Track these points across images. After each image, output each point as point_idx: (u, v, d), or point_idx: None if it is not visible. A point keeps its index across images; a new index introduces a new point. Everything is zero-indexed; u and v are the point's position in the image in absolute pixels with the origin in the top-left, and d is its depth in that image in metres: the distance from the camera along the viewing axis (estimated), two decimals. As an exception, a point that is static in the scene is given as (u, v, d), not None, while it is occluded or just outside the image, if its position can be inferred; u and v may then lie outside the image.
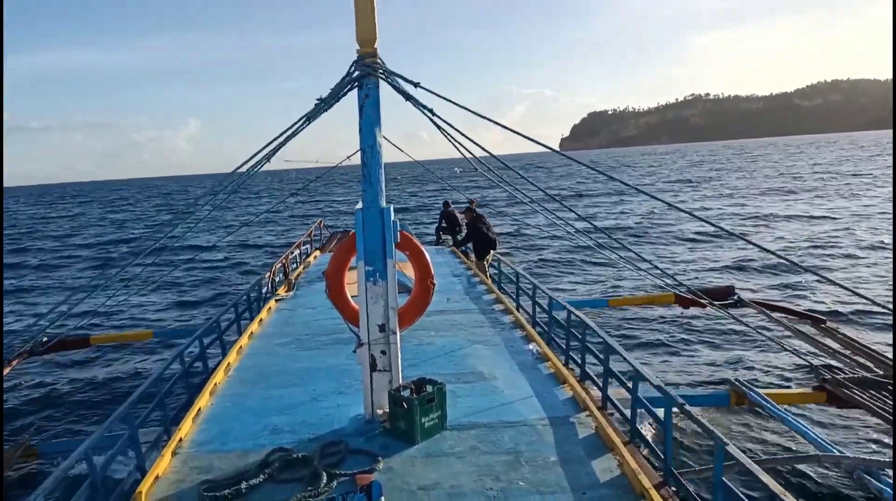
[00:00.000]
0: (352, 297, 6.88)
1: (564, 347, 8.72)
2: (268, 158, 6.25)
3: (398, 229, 6.43)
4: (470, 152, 6.44)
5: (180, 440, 6.23)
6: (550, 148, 6.37)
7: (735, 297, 10.60)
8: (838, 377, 8.03)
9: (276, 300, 12.48)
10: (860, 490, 8.01)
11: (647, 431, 6.39)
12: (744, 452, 4.73)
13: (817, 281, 20.18)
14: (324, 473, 5.27)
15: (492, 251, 15.27)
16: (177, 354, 7.88)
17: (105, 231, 53.24)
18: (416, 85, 5.99)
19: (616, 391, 7.03)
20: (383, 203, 6.30)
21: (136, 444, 6.02)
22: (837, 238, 27.89)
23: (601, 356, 7.11)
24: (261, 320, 10.94)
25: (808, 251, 25.30)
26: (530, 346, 8.79)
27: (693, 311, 14.60)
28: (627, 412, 6.38)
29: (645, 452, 5.99)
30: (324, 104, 6.12)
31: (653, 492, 4.83)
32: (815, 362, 8.55)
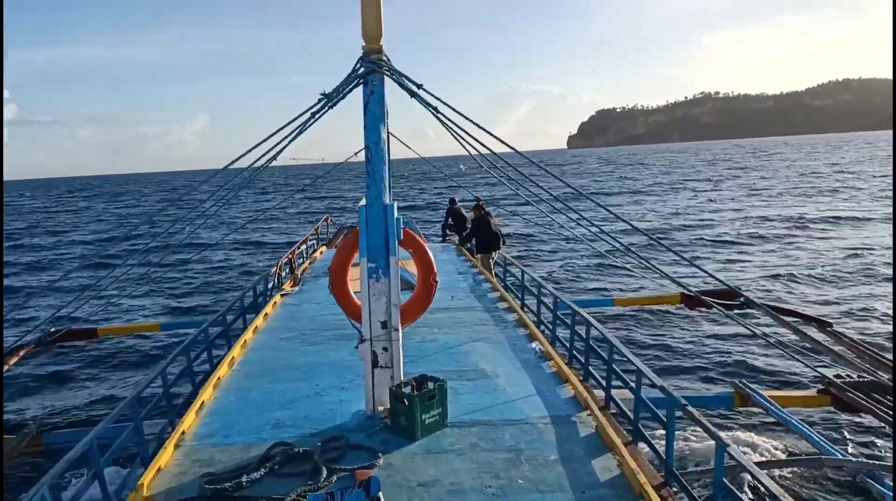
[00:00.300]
0: (355, 293, 6.90)
1: (568, 346, 8.71)
2: (275, 156, 6.27)
3: (402, 225, 6.43)
4: (476, 150, 6.43)
5: (183, 432, 6.27)
6: (535, 162, 6.34)
7: (741, 299, 10.55)
8: (843, 380, 7.99)
9: (282, 295, 12.52)
10: (863, 493, 7.97)
11: (650, 431, 6.37)
12: (746, 454, 4.73)
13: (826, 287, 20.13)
14: (324, 468, 5.30)
15: (497, 251, 15.25)
16: (183, 347, 7.92)
17: (109, 227, 53.40)
18: (420, 86, 6.00)
19: (619, 391, 7.03)
20: (387, 200, 6.30)
21: (141, 436, 6.06)
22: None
23: (605, 356, 7.10)
24: (266, 314, 10.98)
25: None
26: (533, 344, 8.78)
27: (699, 312, 14.56)
28: (630, 412, 6.37)
29: (646, 452, 5.99)
30: (329, 101, 6.13)
31: (651, 492, 4.83)
32: (820, 365, 8.51)
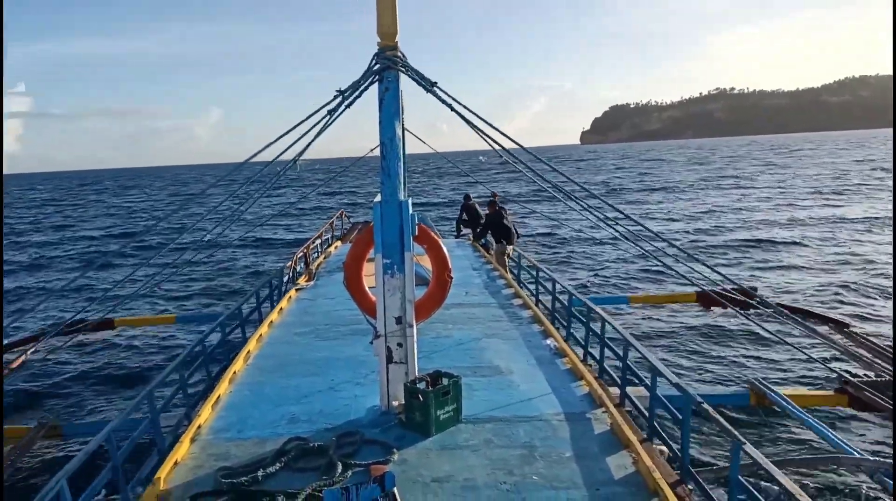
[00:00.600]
0: (370, 288, 6.91)
1: (583, 343, 8.68)
2: (294, 160, 6.28)
3: (416, 221, 6.44)
4: (496, 143, 6.40)
5: (199, 426, 6.33)
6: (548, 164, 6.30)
7: (758, 298, 10.45)
8: (860, 380, 7.91)
9: (297, 290, 12.58)
10: (880, 492, 7.90)
11: (665, 429, 6.34)
12: (762, 452, 4.68)
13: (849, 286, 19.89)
14: (339, 463, 5.32)
15: (511, 246, 15.22)
16: (199, 340, 7.98)
17: (118, 222, 53.69)
18: (434, 84, 5.99)
19: (634, 389, 7.00)
20: (402, 196, 6.31)
21: (157, 428, 6.11)
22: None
23: (620, 353, 7.08)
24: (281, 309, 11.04)
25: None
26: (548, 341, 8.77)
27: (715, 311, 14.46)
28: (645, 410, 6.34)
29: (662, 450, 5.96)
30: (345, 98, 6.13)
31: (667, 490, 4.81)
32: (837, 365, 8.43)
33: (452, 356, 8.24)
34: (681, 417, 5.56)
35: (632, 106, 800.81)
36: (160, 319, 15.03)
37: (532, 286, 11.99)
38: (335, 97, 6.13)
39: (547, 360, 8.07)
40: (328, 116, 6.15)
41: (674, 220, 37.09)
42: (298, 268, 14.68)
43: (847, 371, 8.32)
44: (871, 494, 8.09)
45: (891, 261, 21.68)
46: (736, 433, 4.82)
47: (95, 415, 11.61)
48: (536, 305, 10.94)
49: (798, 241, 27.85)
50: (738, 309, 7.58)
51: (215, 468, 5.47)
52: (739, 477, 4.76)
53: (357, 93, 6.12)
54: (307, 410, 6.69)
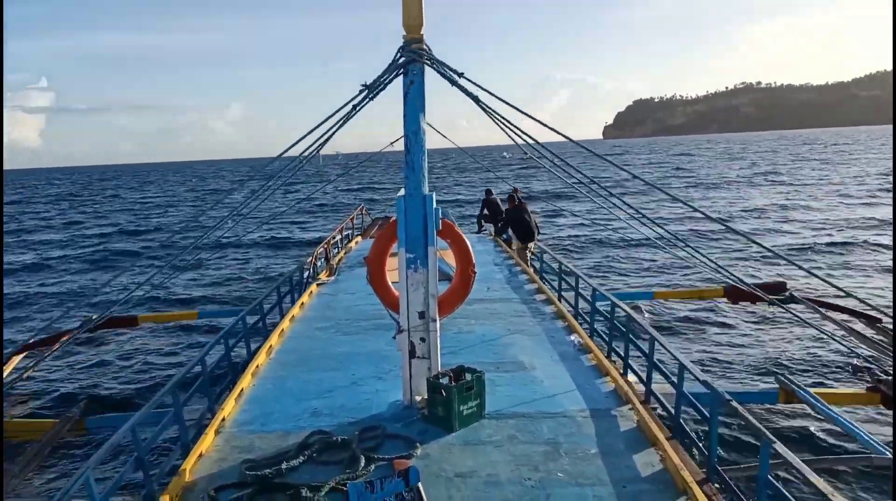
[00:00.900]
0: (392, 283, 6.89)
1: (607, 339, 8.59)
2: (318, 149, 6.28)
3: (440, 216, 6.39)
4: (520, 137, 6.34)
5: (223, 419, 6.36)
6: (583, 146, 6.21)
7: (787, 293, 10.28)
8: (893, 378, 7.72)
9: (318, 285, 12.61)
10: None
11: (691, 426, 6.24)
12: (791, 451, 4.57)
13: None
14: (362, 456, 5.32)
15: (532, 242, 15.13)
16: (221, 335, 8.01)
17: (135, 218, 54.21)
18: (461, 75, 5.93)
19: (660, 386, 6.90)
20: (426, 190, 6.27)
21: (181, 422, 6.16)
22: None
23: (645, 350, 6.98)
24: (302, 303, 11.07)
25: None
26: (572, 337, 8.68)
27: (743, 306, 14.24)
28: (671, 407, 6.25)
29: (689, 447, 5.87)
30: (370, 92, 6.10)
31: (695, 488, 4.72)
32: (870, 362, 8.24)
33: (475, 351, 8.20)
34: (708, 414, 5.46)
35: (656, 100, 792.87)
36: (183, 315, 15.16)
37: (554, 282, 11.90)
38: (360, 92, 6.10)
39: (571, 356, 7.99)
40: (353, 111, 6.13)
41: (729, 218, 35.02)
42: (319, 264, 14.72)
43: (882, 369, 8.11)
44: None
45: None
46: (765, 431, 4.72)
47: (120, 409, 11.74)
48: (560, 300, 10.85)
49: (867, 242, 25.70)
50: (767, 304, 7.43)
51: (239, 460, 5.50)
52: (769, 476, 4.66)
53: (381, 86, 6.09)
54: (329, 404, 6.70)
